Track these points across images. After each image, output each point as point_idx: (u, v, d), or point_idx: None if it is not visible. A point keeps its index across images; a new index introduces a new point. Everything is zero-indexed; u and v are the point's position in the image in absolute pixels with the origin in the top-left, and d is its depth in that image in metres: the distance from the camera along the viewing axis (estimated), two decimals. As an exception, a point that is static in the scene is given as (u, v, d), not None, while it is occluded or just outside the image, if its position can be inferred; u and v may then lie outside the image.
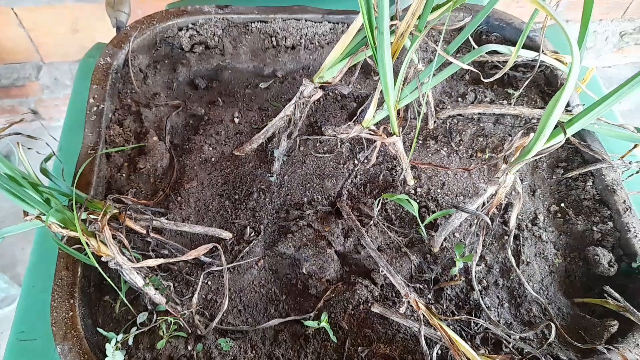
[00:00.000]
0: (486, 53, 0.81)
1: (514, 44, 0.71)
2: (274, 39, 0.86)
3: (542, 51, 0.64)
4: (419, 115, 0.73)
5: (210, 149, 0.75)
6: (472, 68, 0.59)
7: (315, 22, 0.87)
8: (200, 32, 0.84)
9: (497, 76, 0.62)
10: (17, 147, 0.62)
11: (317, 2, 0.89)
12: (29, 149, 0.65)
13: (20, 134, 0.65)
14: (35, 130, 2.41)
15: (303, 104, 0.68)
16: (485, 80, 0.62)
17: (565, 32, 0.47)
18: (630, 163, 0.71)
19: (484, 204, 0.61)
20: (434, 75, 0.65)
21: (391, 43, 0.59)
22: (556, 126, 0.53)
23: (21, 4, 1.89)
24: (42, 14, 1.93)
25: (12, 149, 0.61)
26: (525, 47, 0.71)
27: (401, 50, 0.61)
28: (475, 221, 0.65)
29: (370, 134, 0.67)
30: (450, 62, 0.58)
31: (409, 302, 0.60)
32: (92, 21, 1.95)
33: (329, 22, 0.87)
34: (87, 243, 0.56)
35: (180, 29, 0.84)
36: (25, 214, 0.59)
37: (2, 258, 1.93)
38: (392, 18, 0.63)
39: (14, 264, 1.96)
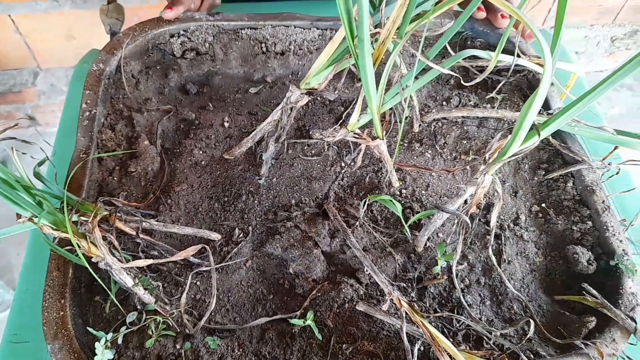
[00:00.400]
0: (470, 58, 0.83)
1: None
2: (263, 45, 0.88)
3: (518, 55, 0.66)
4: (401, 119, 0.75)
5: (201, 152, 0.77)
6: (452, 73, 0.61)
7: (304, 29, 0.89)
8: (191, 38, 0.86)
9: (476, 81, 0.64)
10: (12, 152, 0.64)
11: (306, 9, 0.91)
12: (23, 153, 0.66)
13: (15, 138, 0.67)
14: (32, 135, 2.43)
15: (290, 109, 0.70)
16: (467, 85, 0.64)
17: (538, 38, 0.49)
18: (609, 164, 0.73)
19: (465, 202, 0.63)
20: (417, 79, 0.68)
21: (373, 50, 0.61)
22: (532, 128, 0.55)
23: (18, 11, 1.90)
24: (39, 20, 1.95)
25: (9, 154, 0.62)
26: (508, 52, 0.72)
27: (387, 55, 0.63)
28: (456, 221, 0.66)
29: (355, 137, 0.69)
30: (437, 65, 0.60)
31: (392, 300, 0.62)
32: (88, 27, 1.98)
33: (317, 29, 0.89)
34: (77, 244, 0.58)
35: (172, 36, 0.86)
36: (18, 216, 0.61)
37: (-3, 263, 1.93)
38: (377, 26, 0.65)
39: (9, 269, 1.97)
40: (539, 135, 0.53)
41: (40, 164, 0.68)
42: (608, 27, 2.44)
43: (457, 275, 0.67)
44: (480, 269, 0.69)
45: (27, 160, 0.66)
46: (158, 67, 0.85)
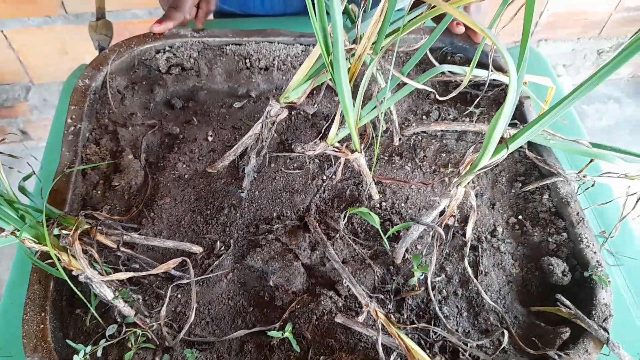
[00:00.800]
0: (450, 73, 0.85)
1: (479, 64, 0.75)
2: (247, 60, 0.89)
3: (491, 71, 0.68)
4: (376, 133, 0.76)
5: (184, 166, 0.78)
6: (426, 88, 0.63)
7: (287, 45, 0.91)
8: (176, 54, 0.88)
9: (450, 96, 0.65)
10: (-2, 166, 0.65)
11: (293, 25, 0.93)
12: (10, 168, 0.67)
13: (1, 153, 0.68)
14: (24, 150, 2.44)
15: (270, 123, 0.71)
16: (442, 99, 0.65)
17: (503, 54, 0.50)
18: (584, 177, 0.75)
19: (442, 213, 0.64)
20: (395, 93, 0.69)
21: (350, 66, 0.63)
22: (501, 142, 0.56)
23: (10, 27, 1.92)
24: (32, 35, 1.96)
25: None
26: (487, 67, 0.74)
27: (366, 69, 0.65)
28: (430, 233, 0.67)
29: (335, 150, 0.71)
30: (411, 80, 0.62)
31: (369, 311, 0.62)
32: (80, 43, 1.99)
33: (300, 45, 0.91)
34: (57, 257, 0.59)
35: (157, 52, 0.88)
36: (1, 230, 0.62)
37: (-13, 277, 1.93)
38: (354, 41, 0.67)
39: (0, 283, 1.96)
40: (507, 148, 0.55)
41: (26, 178, 0.69)
42: (594, 40, 2.48)
43: (433, 287, 0.68)
44: (457, 280, 0.70)
45: (15, 174, 0.67)
46: (144, 83, 0.87)
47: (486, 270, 0.70)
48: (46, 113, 2.25)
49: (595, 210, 0.84)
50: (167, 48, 0.88)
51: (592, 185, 0.76)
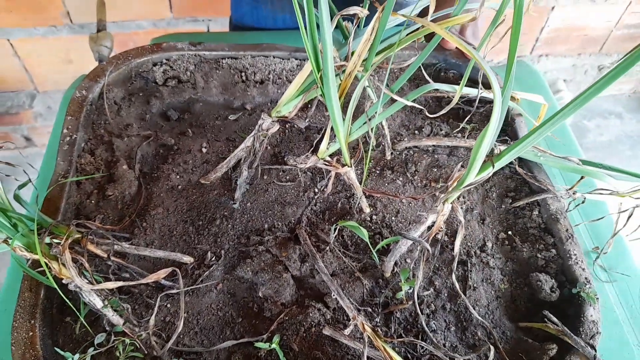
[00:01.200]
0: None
1: (471, 80, 0.76)
2: (243, 74, 0.91)
3: (481, 89, 0.69)
4: (367, 148, 0.77)
5: (178, 177, 0.79)
6: (416, 105, 0.63)
7: (283, 59, 0.92)
8: (173, 67, 0.89)
9: (441, 113, 0.66)
10: (-6, 174, 0.66)
11: (286, 39, 0.95)
12: (7, 175, 0.69)
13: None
14: (28, 157, 2.46)
15: (262, 136, 0.72)
16: (431, 116, 0.66)
17: (488, 75, 0.51)
18: (574, 193, 0.75)
19: (429, 228, 0.65)
20: (387, 109, 0.70)
21: (340, 82, 0.64)
22: (487, 159, 0.57)
23: (17, 36, 1.95)
24: (37, 44, 1.99)
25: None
26: (483, 84, 0.75)
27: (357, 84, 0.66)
28: (418, 248, 0.68)
29: (325, 164, 0.71)
30: (402, 96, 0.63)
31: (356, 324, 0.63)
32: (85, 52, 2.02)
33: (296, 59, 0.92)
34: (47, 265, 0.60)
35: (154, 64, 0.89)
36: (-6, 237, 0.63)
37: (-14, 282, 1.93)
38: (345, 58, 0.68)
39: (-1, 289, 1.97)
40: (493, 166, 0.55)
41: (22, 186, 0.70)
42: (595, 55, 2.50)
43: (421, 301, 0.68)
44: (446, 294, 0.70)
45: (15, 181, 0.68)
46: (140, 94, 0.88)
47: (475, 285, 0.70)
48: (50, 120, 2.29)
49: (589, 226, 0.85)
50: (164, 61, 0.89)
51: (583, 202, 0.76)
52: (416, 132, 0.86)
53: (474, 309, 0.68)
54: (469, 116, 0.82)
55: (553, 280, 0.70)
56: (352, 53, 0.65)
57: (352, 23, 0.69)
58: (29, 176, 0.74)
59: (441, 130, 0.86)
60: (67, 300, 0.61)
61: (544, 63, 2.46)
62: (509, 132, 0.85)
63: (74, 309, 0.62)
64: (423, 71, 0.76)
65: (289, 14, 1.18)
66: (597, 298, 0.67)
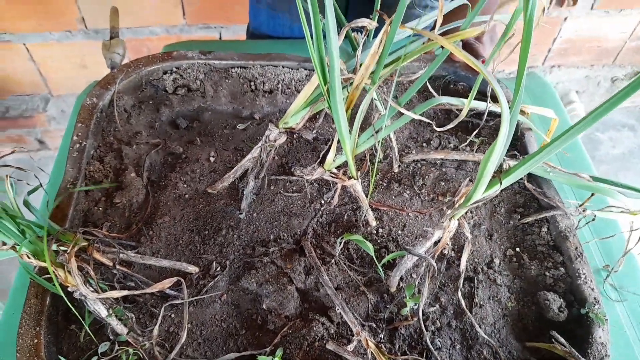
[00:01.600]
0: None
1: (481, 93, 0.76)
2: (252, 83, 0.91)
3: (489, 102, 0.68)
4: (374, 160, 0.77)
5: (185, 186, 0.80)
6: (422, 119, 0.63)
7: (292, 69, 0.92)
8: (183, 75, 0.90)
9: (449, 126, 0.65)
10: (6, 179, 0.67)
11: (298, 49, 0.95)
12: (19, 180, 0.69)
13: (9, 166, 0.70)
14: (41, 159, 2.49)
15: (269, 147, 0.72)
16: (439, 130, 0.66)
17: (495, 90, 0.50)
18: (584, 211, 0.74)
19: (435, 244, 0.64)
20: (394, 121, 0.70)
21: (347, 94, 0.64)
22: (495, 176, 0.56)
23: (32, 40, 1.98)
24: (52, 49, 2.02)
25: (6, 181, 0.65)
26: (492, 97, 0.74)
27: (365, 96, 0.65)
28: (423, 263, 0.67)
29: (332, 176, 0.71)
30: (410, 109, 0.63)
31: (359, 340, 0.62)
32: (99, 57, 2.04)
33: (304, 69, 0.92)
34: (54, 273, 0.60)
35: (165, 73, 0.90)
36: (3, 243, 0.63)
37: (-4, 284, 1.96)
38: (353, 70, 0.68)
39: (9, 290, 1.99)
40: (501, 183, 0.55)
41: (31, 192, 0.70)
42: (608, 67, 2.47)
43: (426, 317, 0.67)
44: (452, 311, 0.69)
45: (26, 186, 0.69)
46: (150, 102, 0.89)
47: (481, 303, 0.70)
48: (63, 124, 2.31)
49: (599, 243, 0.83)
50: (174, 69, 0.90)
51: (593, 220, 0.75)
52: (424, 144, 0.86)
53: (480, 327, 0.67)
54: (477, 129, 0.82)
55: (561, 300, 0.68)
56: (361, 65, 0.65)
57: (362, 34, 0.69)
58: (40, 181, 0.75)
59: (449, 143, 0.85)
60: (73, 308, 0.61)
61: (556, 74, 2.44)
62: (518, 147, 0.84)
63: (79, 317, 0.62)
64: (429, 86, 0.76)
65: None
66: (606, 319, 0.65)
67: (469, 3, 0.72)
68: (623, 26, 2.29)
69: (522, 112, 0.84)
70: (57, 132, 2.42)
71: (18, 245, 0.61)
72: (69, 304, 0.60)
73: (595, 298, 0.67)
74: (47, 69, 2.11)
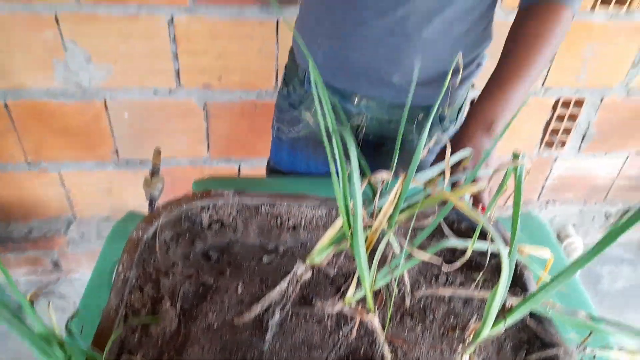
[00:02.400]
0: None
1: (483, 232, 0.86)
2: (278, 219, 1.02)
3: (491, 242, 0.78)
4: (390, 296, 0.84)
5: (214, 316, 0.86)
6: (433, 261, 0.72)
7: (314, 207, 1.04)
8: (218, 212, 1.01)
9: (454, 267, 0.75)
10: (49, 307, 0.74)
11: (317, 188, 1.08)
12: (31, 300, 0.76)
13: (32, 288, 0.78)
14: (50, 282, 2.53)
15: (296, 281, 0.81)
16: (444, 270, 0.75)
17: (494, 238, 0.60)
18: (585, 349, 0.79)
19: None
20: (408, 261, 0.79)
21: (367, 237, 0.74)
22: (499, 315, 0.64)
23: (67, 169, 2.16)
24: (83, 177, 2.19)
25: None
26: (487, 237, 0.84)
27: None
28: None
29: (351, 310, 0.78)
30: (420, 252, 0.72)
31: None
32: (125, 185, 2.21)
33: (325, 207, 1.04)
34: (96, 400, 0.64)
35: (202, 209, 1.02)
36: (48, 369, 0.69)
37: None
38: (371, 215, 0.79)
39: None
40: (505, 322, 0.62)
41: (71, 318, 0.77)
42: (600, 204, 2.62)
43: None
44: None
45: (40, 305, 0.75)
46: (187, 235, 0.99)
47: None
48: (81, 247, 2.39)
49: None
50: (211, 206, 1.02)
51: (594, 358, 0.80)
52: (432, 279, 0.94)
53: None
54: (481, 269, 0.91)
55: None
56: (379, 209, 0.76)
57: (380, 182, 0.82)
58: (77, 307, 0.81)
59: (456, 279, 0.93)
60: None
61: (552, 209, 2.59)
62: (519, 285, 0.92)
63: None
64: (445, 228, 0.87)
65: (321, 163, 1.37)
66: None
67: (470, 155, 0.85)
68: (610, 168, 2.48)
69: (520, 252, 0.94)
70: (72, 256, 2.49)
71: (64, 370, 0.67)
72: None
73: None
74: (75, 194, 2.26)
